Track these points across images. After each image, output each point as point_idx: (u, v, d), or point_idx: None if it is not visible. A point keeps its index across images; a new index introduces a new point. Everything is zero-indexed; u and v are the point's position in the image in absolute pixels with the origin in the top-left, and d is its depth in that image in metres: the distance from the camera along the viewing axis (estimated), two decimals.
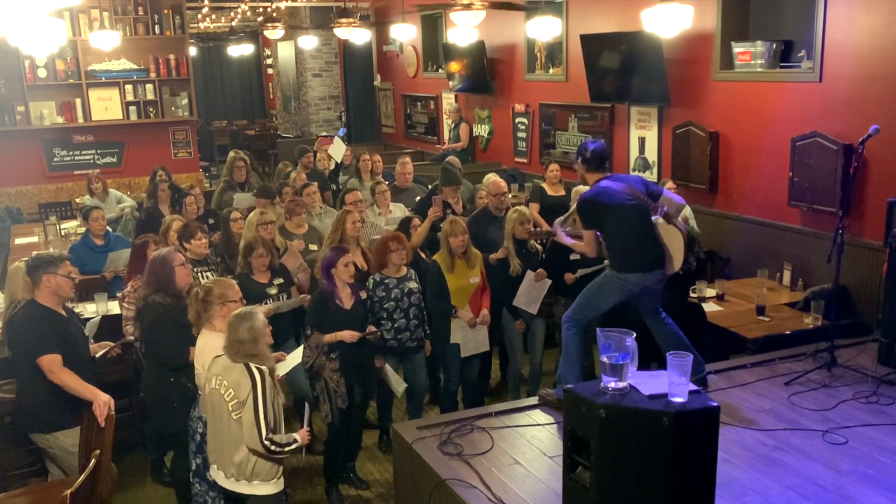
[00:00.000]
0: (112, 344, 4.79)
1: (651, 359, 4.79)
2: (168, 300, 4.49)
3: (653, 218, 4.60)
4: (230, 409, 3.68)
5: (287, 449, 3.73)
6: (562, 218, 5.28)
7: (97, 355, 4.66)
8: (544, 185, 7.53)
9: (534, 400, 4.87)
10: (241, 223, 6.26)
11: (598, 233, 4.60)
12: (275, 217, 6.18)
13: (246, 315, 3.75)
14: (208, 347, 3.98)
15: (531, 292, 5.58)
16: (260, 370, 3.68)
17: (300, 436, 3.80)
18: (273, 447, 3.66)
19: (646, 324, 4.73)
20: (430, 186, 7.78)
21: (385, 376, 5.20)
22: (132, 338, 4.98)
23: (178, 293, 4.55)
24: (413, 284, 5.29)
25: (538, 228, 6.06)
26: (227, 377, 3.70)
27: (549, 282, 5.58)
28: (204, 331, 4.12)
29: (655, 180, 7.68)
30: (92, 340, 4.85)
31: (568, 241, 4.91)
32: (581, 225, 4.77)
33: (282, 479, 3.89)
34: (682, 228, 4.63)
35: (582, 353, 4.77)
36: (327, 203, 7.58)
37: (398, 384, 5.22)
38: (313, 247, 6.31)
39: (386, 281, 5.22)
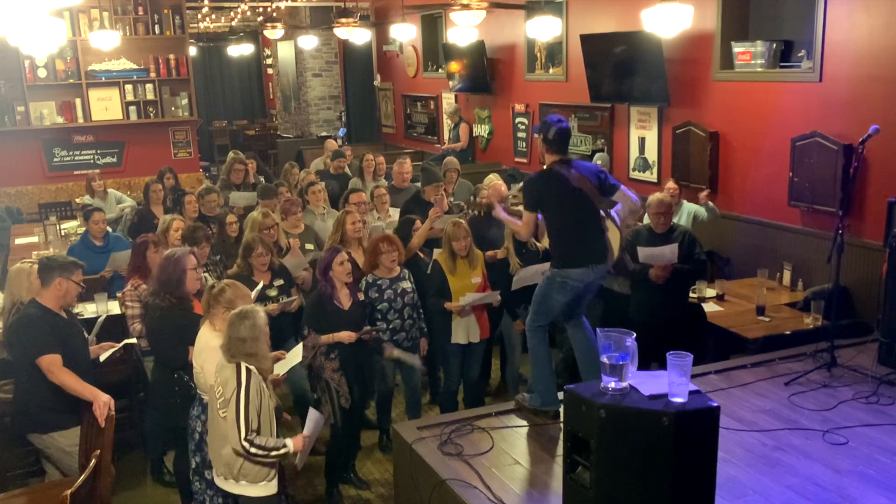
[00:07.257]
0: (116, 345, 4.79)
1: (651, 359, 4.78)
2: (168, 302, 4.49)
3: (601, 212, 4.44)
4: (218, 406, 3.66)
5: (273, 454, 3.64)
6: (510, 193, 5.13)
7: (102, 359, 4.67)
8: None
9: None
10: (236, 227, 6.26)
11: (539, 217, 4.47)
12: (279, 220, 6.18)
13: (247, 313, 3.69)
14: (208, 347, 3.98)
15: (533, 278, 5.54)
16: (248, 370, 3.62)
17: (293, 442, 3.73)
18: (253, 449, 3.58)
19: (646, 324, 4.71)
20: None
21: (400, 359, 5.22)
22: (133, 340, 4.99)
23: (184, 295, 4.56)
24: (406, 284, 5.29)
25: (475, 199, 6.01)
26: (220, 374, 3.68)
27: None
28: (203, 329, 4.12)
29: (656, 180, 7.70)
30: (94, 340, 4.86)
31: (504, 216, 4.82)
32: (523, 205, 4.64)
33: (274, 482, 3.79)
34: (619, 227, 4.46)
35: (550, 359, 4.67)
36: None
37: (412, 359, 5.26)
38: (309, 246, 6.31)
39: (378, 282, 5.22)
